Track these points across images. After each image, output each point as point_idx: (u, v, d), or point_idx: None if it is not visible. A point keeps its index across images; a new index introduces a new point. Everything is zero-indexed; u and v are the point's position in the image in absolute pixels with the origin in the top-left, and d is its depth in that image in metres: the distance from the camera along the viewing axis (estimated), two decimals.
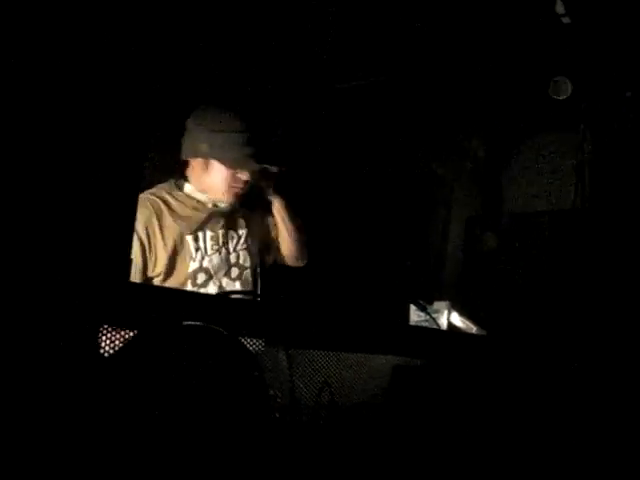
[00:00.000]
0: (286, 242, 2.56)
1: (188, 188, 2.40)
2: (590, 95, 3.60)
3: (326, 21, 3.06)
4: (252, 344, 1.45)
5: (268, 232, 2.58)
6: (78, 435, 0.98)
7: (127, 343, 1.03)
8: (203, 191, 2.38)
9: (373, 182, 3.94)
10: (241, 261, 2.43)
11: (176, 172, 2.43)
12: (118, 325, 1.15)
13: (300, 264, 2.62)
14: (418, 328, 2.42)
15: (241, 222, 2.48)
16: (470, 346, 2.42)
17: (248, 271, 2.43)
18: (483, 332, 2.69)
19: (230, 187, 2.36)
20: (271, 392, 1.38)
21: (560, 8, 3.07)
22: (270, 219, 2.58)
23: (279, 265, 2.65)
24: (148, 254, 2.23)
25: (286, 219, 2.52)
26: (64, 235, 1.12)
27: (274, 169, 2.41)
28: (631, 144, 3.77)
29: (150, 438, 0.99)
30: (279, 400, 1.35)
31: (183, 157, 2.38)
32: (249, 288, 2.40)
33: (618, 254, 3.57)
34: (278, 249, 2.59)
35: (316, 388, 1.41)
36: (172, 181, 2.42)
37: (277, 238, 2.59)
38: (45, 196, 1.11)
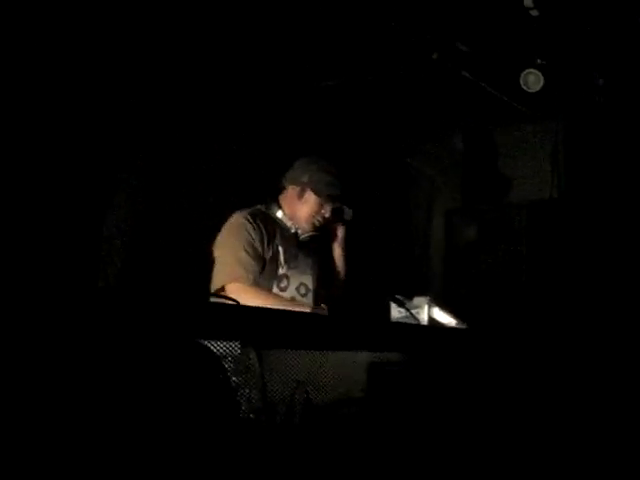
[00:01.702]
0: (337, 285, 2.92)
1: (280, 214, 2.81)
2: (562, 85, 3.63)
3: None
4: (227, 347, 1.47)
5: (329, 273, 2.92)
6: (58, 436, 0.98)
7: (96, 349, 1.04)
8: (291, 217, 2.79)
9: (354, 178, 3.96)
10: (308, 283, 2.78)
11: (267, 198, 2.86)
12: (87, 332, 1.16)
13: (338, 296, 2.91)
14: (396, 324, 2.43)
15: (315, 253, 2.84)
16: (450, 340, 2.44)
17: (311, 294, 2.78)
18: (464, 325, 2.70)
19: (313, 217, 2.78)
20: (245, 393, 1.39)
21: (528, 1, 3.10)
22: (331, 263, 2.93)
23: None
24: (256, 249, 2.64)
25: (343, 268, 2.92)
26: (36, 248, 1.13)
27: (349, 212, 2.86)
28: (603, 131, 3.81)
29: (119, 443, 0.99)
30: (253, 402, 1.36)
31: (284, 183, 2.83)
32: (309, 308, 2.69)
33: (595, 240, 3.61)
34: (331, 283, 2.90)
35: (291, 387, 1.42)
36: (263, 205, 2.83)
37: (332, 275, 2.93)
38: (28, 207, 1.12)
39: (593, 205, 3.74)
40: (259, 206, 2.81)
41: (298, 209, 2.79)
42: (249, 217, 2.68)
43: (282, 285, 2.71)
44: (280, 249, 2.72)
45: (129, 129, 2.80)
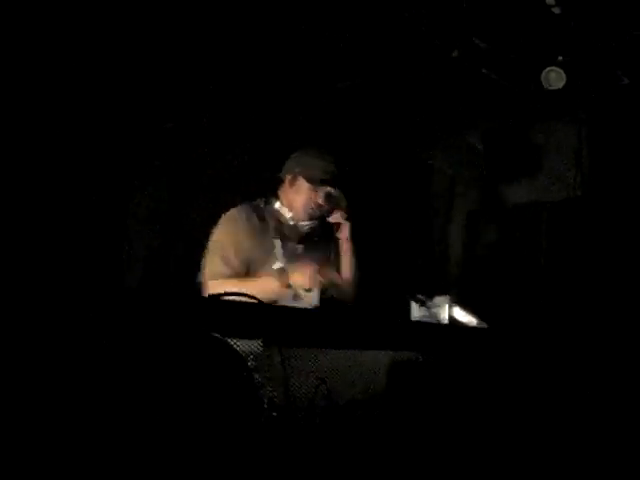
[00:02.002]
0: (346, 280, 2.84)
1: (277, 205, 2.79)
2: (585, 83, 3.59)
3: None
4: (249, 345, 1.47)
5: (335, 269, 2.86)
6: (72, 437, 0.99)
7: (119, 347, 1.04)
8: (289, 208, 2.76)
9: (374, 178, 3.96)
10: None
11: (267, 192, 2.86)
12: (111, 331, 1.17)
13: (349, 302, 2.83)
14: (417, 323, 2.42)
15: (317, 247, 2.81)
16: (471, 339, 2.42)
17: (316, 289, 2.64)
18: (484, 325, 2.69)
19: (306, 205, 2.74)
20: (268, 391, 1.39)
21: None
22: (336, 254, 2.87)
23: None
24: (247, 245, 2.62)
25: (351, 263, 2.85)
26: (60, 249, 1.14)
27: (338, 195, 2.79)
28: (627, 129, 3.76)
29: (143, 442, 1.00)
30: (276, 399, 1.36)
31: (281, 175, 2.82)
32: (315, 303, 2.60)
33: (618, 241, 3.57)
34: (338, 284, 2.81)
35: (313, 386, 1.42)
36: (263, 199, 2.82)
37: (339, 274, 2.86)
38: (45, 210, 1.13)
39: (616, 205, 3.70)
40: (258, 200, 2.81)
41: (292, 198, 2.78)
42: (238, 213, 2.70)
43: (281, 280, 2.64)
44: (276, 243, 2.68)
45: (145, 135, 2.85)
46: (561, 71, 3.46)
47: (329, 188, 2.78)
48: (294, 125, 3.65)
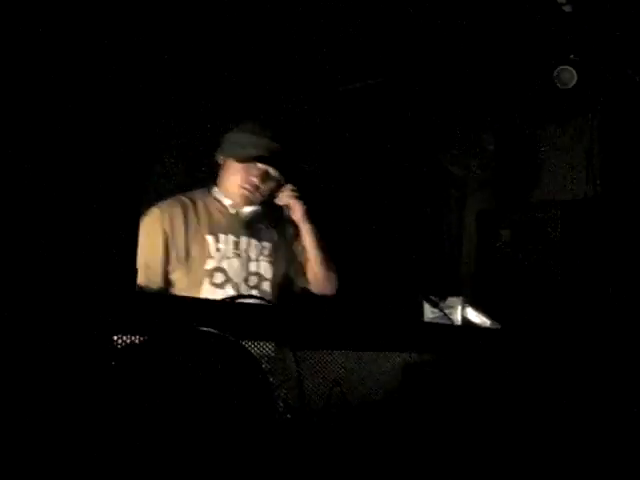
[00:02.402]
0: (313, 267, 2.58)
1: (215, 191, 2.52)
2: (596, 82, 3.57)
3: (331, 21, 3.08)
4: (262, 348, 1.47)
5: (296, 256, 2.61)
6: (89, 442, 0.99)
7: (133, 351, 1.05)
8: (227, 194, 2.49)
9: (386, 179, 3.95)
10: (261, 271, 2.47)
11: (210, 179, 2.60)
12: (126, 334, 1.17)
13: (328, 292, 2.63)
14: (430, 324, 2.41)
15: (267, 234, 2.54)
16: (484, 340, 2.41)
17: (268, 283, 2.46)
18: (498, 326, 2.68)
19: (241, 187, 2.45)
20: (282, 394, 1.39)
21: None
22: (299, 242, 2.61)
23: None
24: (170, 247, 2.33)
25: (314, 244, 2.55)
26: (70, 247, 1.14)
27: (277, 174, 2.50)
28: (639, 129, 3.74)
29: (157, 443, 1.00)
30: (290, 402, 1.36)
31: (216, 158, 2.54)
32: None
33: (631, 240, 3.54)
34: (305, 275, 2.61)
35: (327, 388, 1.42)
36: (206, 188, 2.56)
37: (304, 262, 2.60)
38: (52, 208, 1.13)
39: (630, 205, 3.68)
40: (197, 190, 2.50)
41: (226, 181, 2.48)
42: (154, 214, 2.33)
43: (217, 281, 2.34)
44: (209, 239, 2.37)
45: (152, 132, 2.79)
46: (573, 70, 3.45)
47: (263, 165, 2.46)
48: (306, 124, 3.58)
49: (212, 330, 1.11)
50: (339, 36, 3.23)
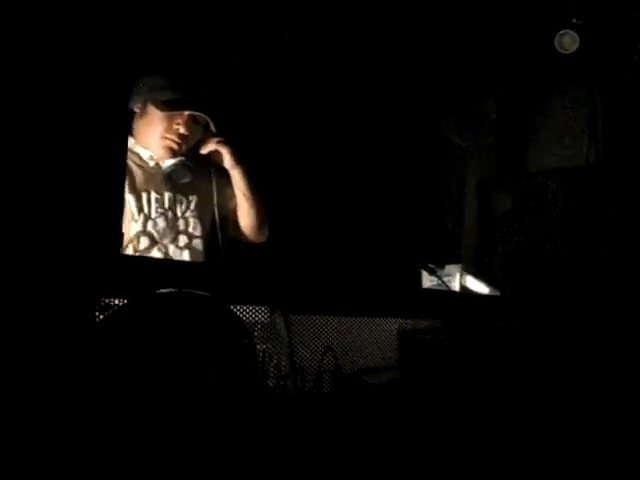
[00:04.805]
0: (245, 216, 2.36)
1: (130, 142, 2.20)
2: (599, 47, 3.51)
3: None
4: (256, 314, 1.45)
5: (226, 203, 2.38)
6: (78, 403, 0.98)
7: (118, 312, 1.02)
8: (145, 145, 2.22)
9: (385, 147, 3.90)
10: (190, 228, 2.26)
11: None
12: (114, 297, 1.15)
13: (260, 240, 2.43)
14: (426, 290, 2.40)
15: (191, 187, 2.28)
16: (482, 307, 2.40)
17: (199, 240, 2.26)
18: (496, 293, 2.66)
19: (164, 138, 2.19)
20: (275, 360, 1.37)
21: None
22: (229, 191, 2.37)
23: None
24: None
25: (246, 191, 2.32)
26: (57, 213, 1.12)
27: (205, 119, 2.25)
28: None
29: (144, 407, 0.98)
30: (283, 368, 1.34)
31: (130, 106, 2.20)
32: (200, 259, 2.22)
33: (633, 210, 3.51)
34: (236, 223, 2.40)
35: (320, 353, 1.40)
36: None
37: (236, 211, 2.39)
38: (37, 178, 1.10)
39: (631, 173, 3.63)
40: None
41: (146, 131, 2.19)
42: None
43: (140, 247, 2.11)
44: (130, 199, 2.11)
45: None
46: (575, 34, 3.38)
47: (189, 111, 2.19)
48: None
49: (199, 292, 1.08)
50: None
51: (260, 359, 1.25)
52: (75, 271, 1.10)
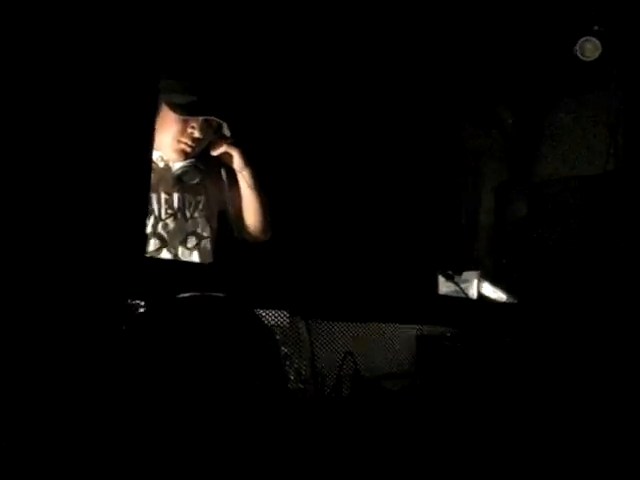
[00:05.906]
0: (252, 216, 2.36)
1: None
2: (620, 54, 3.49)
3: None
4: (276, 318, 1.46)
5: (234, 204, 2.36)
6: (103, 399, 0.99)
7: (146, 315, 1.04)
8: (157, 147, 2.20)
9: (403, 153, 3.91)
10: (199, 229, 2.26)
11: None
12: (140, 299, 1.17)
13: (264, 239, 2.44)
14: (444, 297, 2.40)
15: (199, 188, 2.28)
16: (500, 315, 2.39)
17: (207, 241, 2.26)
18: (514, 301, 2.65)
19: (178, 141, 2.18)
20: (295, 364, 1.38)
21: None
22: (234, 191, 2.35)
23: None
24: None
25: (254, 192, 2.32)
26: (83, 217, 1.13)
27: (221, 123, 2.26)
28: None
29: (169, 405, 1.00)
30: (303, 372, 1.36)
31: None
32: (208, 260, 2.22)
33: None
34: (243, 223, 2.39)
35: (340, 358, 1.41)
36: None
37: (241, 211, 2.37)
38: (61, 182, 1.12)
39: None
40: None
41: (159, 134, 2.12)
42: None
43: (150, 248, 2.08)
44: None
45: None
46: (597, 41, 3.37)
47: (203, 116, 2.18)
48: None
49: (223, 296, 1.09)
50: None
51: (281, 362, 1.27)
52: (102, 273, 1.11)
